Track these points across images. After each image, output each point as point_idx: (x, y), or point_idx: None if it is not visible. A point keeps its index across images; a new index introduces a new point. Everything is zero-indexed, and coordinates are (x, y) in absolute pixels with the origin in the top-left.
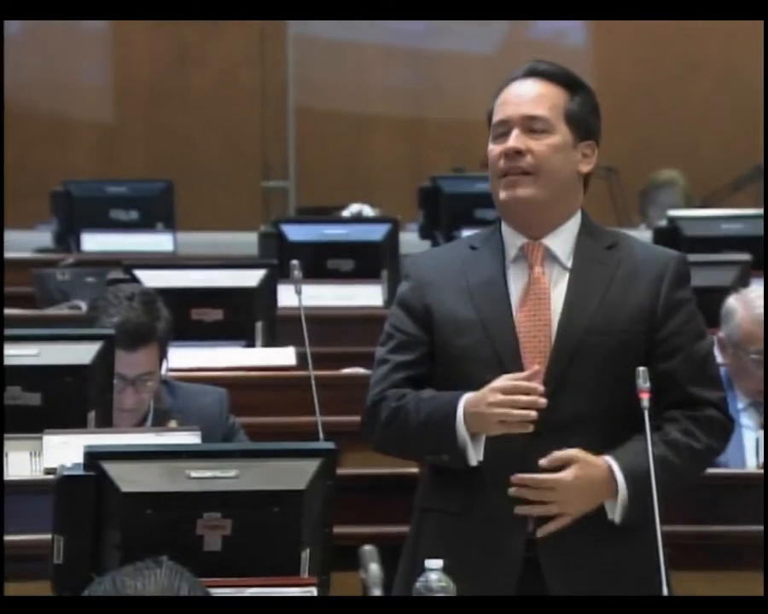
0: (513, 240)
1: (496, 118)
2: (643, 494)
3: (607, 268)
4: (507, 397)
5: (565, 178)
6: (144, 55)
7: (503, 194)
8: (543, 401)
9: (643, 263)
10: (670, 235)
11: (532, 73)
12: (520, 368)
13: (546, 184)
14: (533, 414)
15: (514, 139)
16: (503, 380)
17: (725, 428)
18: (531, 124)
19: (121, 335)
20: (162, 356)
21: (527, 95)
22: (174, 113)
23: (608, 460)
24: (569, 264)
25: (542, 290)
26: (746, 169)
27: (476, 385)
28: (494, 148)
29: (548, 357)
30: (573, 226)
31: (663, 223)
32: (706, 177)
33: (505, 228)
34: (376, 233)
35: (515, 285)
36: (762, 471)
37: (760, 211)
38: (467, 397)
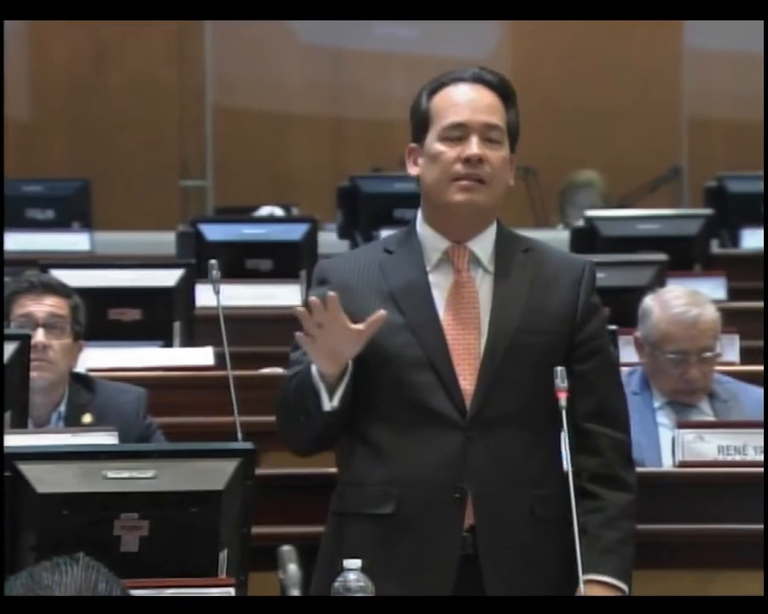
0: (435, 244)
1: (448, 119)
2: (627, 557)
3: (527, 270)
4: (318, 337)
5: (504, 190)
6: (62, 54)
7: (458, 197)
8: (332, 294)
9: (560, 268)
10: (587, 235)
11: (478, 80)
12: (452, 369)
13: (495, 195)
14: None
15: (477, 146)
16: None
17: (626, 449)
18: (488, 133)
19: (31, 284)
20: (74, 325)
21: (482, 103)
22: (92, 112)
23: (603, 579)
24: (491, 268)
25: (470, 292)
26: (663, 169)
27: (406, 387)
28: (448, 151)
29: (480, 357)
30: (492, 231)
31: (580, 223)
32: (623, 177)
33: (425, 231)
34: (295, 232)
35: (440, 287)
36: (676, 469)
37: (676, 211)
38: None
